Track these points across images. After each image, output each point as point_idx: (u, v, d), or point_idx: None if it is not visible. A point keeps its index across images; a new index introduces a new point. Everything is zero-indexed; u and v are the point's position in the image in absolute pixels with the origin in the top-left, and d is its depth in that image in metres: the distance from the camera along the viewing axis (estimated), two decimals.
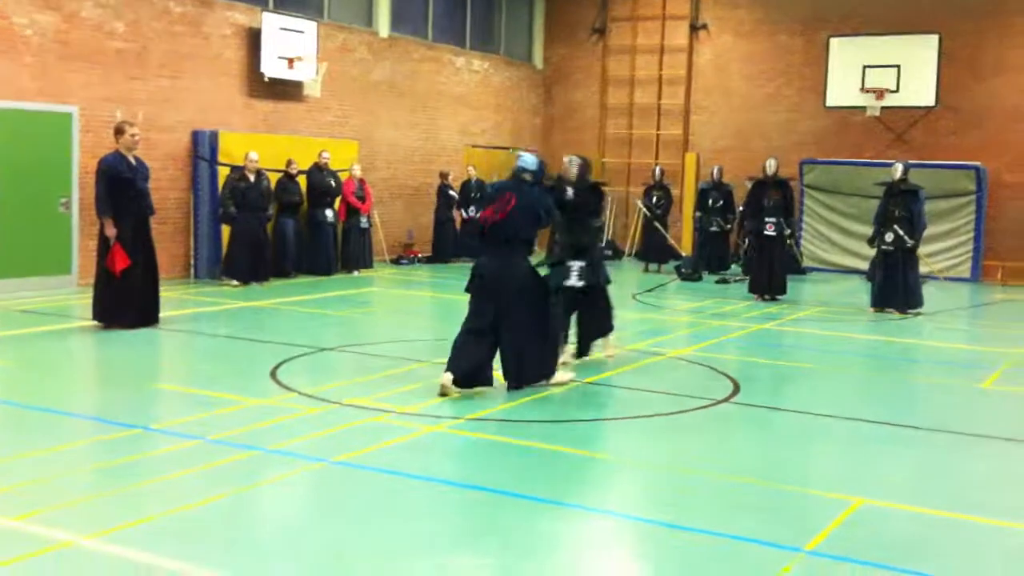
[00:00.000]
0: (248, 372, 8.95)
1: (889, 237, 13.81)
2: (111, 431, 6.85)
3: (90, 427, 7.00)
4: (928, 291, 14.69)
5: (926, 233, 18.67)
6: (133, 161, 10.93)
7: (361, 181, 17.40)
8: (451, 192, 19.69)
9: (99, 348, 10.17)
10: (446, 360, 8.10)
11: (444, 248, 19.72)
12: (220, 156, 15.46)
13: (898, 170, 14.01)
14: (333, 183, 16.67)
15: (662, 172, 19.90)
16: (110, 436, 6.75)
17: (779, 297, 15.01)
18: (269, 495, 5.81)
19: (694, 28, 22.33)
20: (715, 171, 19.15)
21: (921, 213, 13.88)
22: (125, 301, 10.76)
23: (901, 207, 13.78)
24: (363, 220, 17.32)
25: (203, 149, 15.51)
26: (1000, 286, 18.62)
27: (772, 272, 14.90)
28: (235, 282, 14.82)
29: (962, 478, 6.43)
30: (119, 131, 10.94)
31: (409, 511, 5.46)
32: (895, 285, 13.86)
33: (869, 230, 14.68)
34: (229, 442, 6.55)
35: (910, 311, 13.87)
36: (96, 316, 10.88)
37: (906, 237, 13.71)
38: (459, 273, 18.19)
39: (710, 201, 19.03)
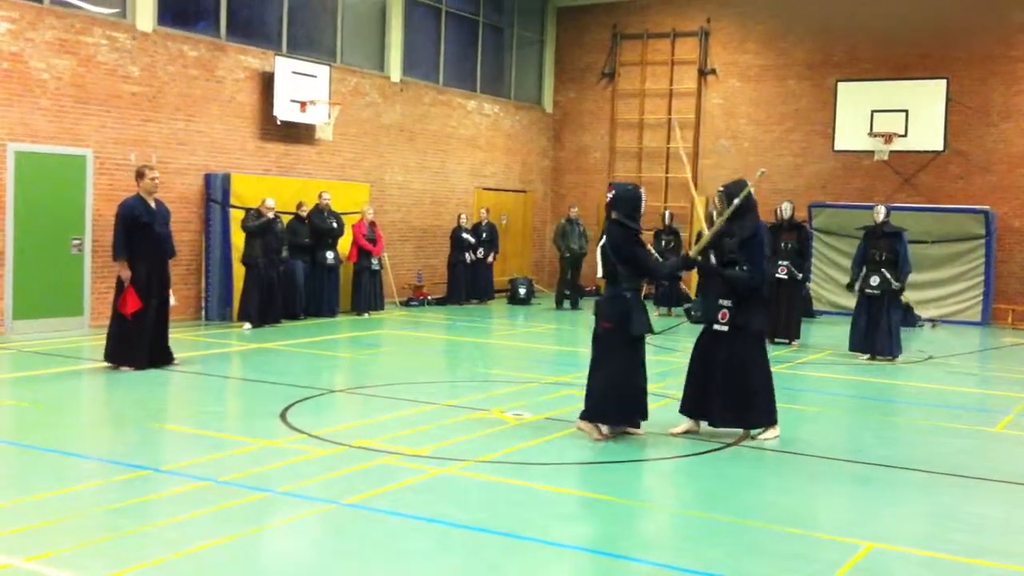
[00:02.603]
0: (257, 413, 8.96)
1: (875, 280, 13.62)
2: (121, 472, 6.86)
3: (100, 469, 7.00)
4: (938, 335, 14.55)
5: (935, 276, 18.87)
6: (153, 205, 11.05)
7: (372, 223, 17.48)
8: (464, 235, 19.78)
9: (110, 389, 10.20)
10: (453, 401, 8.07)
11: (457, 290, 19.78)
12: (232, 199, 15.58)
13: (880, 213, 13.86)
14: (335, 224, 16.73)
15: (671, 216, 19.87)
16: (120, 477, 6.76)
17: (792, 341, 14.94)
18: (279, 537, 5.80)
19: (702, 73, 22.51)
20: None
21: (906, 255, 13.69)
22: (135, 343, 10.86)
23: (886, 250, 13.61)
24: (374, 262, 17.38)
25: (215, 192, 15.64)
26: (1010, 330, 18.57)
27: (784, 315, 14.84)
28: (248, 325, 14.85)
29: (975, 523, 6.39)
30: (140, 175, 11.09)
31: (418, 554, 5.45)
32: (878, 330, 13.63)
33: None
34: (239, 484, 6.55)
35: (894, 356, 13.71)
36: (107, 357, 10.96)
37: (892, 280, 13.59)
38: (471, 314, 18.31)
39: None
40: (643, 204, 8.30)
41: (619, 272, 8.15)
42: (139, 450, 7.59)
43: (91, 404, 9.80)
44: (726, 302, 8.35)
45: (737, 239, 8.39)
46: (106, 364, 10.97)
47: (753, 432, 8.55)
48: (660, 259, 9.08)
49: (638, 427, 8.42)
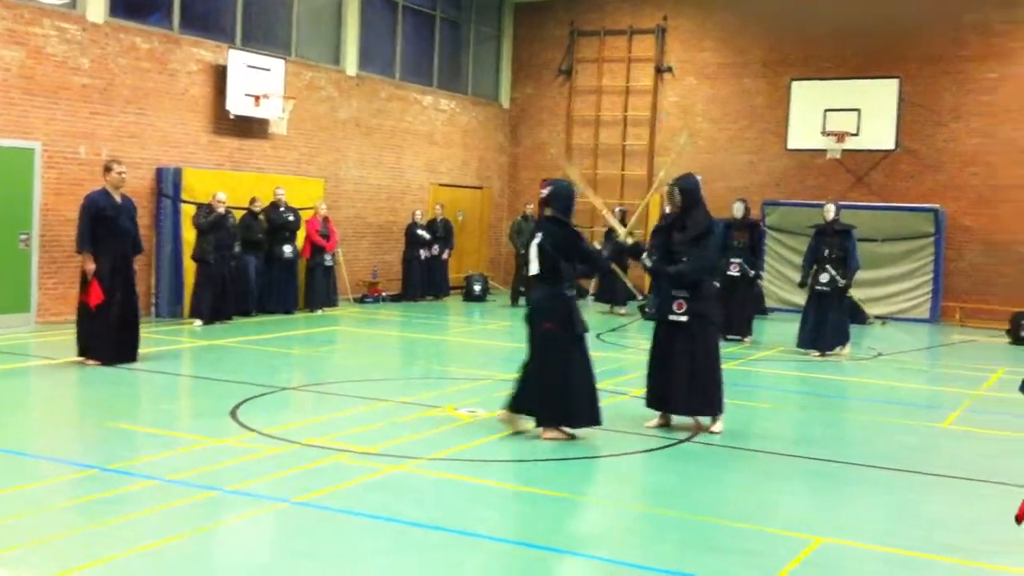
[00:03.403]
0: (208, 411, 8.86)
1: (824, 278, 13.80)
2: (67, 471, 6.75)
3: (47, 468, 6.88)
4: (887, 332, 14.76)
5: (885, 273, 19.11)
6: (119, 199, 11.02)
7: (326, 219, 17.36)
8: (419, 231, 19.71)
9: (57, 388, 10.04)
10: (407, 398, 8.04)
11: (413, 286, 19.71)
12: (184, 193, 15.39)
13: (830, 211, 14.01)
14: (292, 218, 16.63)
15: (623, 213, 19.78)
16: (66, 476, 6.65)
17: (745, 338, 15.07)
18: (228, 536, 5.74)
19: (659, 71, 22.60)
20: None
21: (855, 253, 13.88)
22: (100, 336, 10.86)
23: (836, 248, 13.81)
24: (327, 258, 17.27)
25: (167, 186, 15.45)
26: (959, 327, 18.85)
27: (737, 312, 14.94)
28: (199, 322, 14.67)
29: (926, 517, 6.47)
30: (107, 169, 11.11)
31: (370, 552, 5.41)
32: (825, 324, 13.80)
33: None
34: (187, 482, 6.47)
35: (838, 349, 13.89)
36: (79, 351, 10.98)
37: (839, 278, 13.77)
38: (427, 311, 18.24)
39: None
40: (575, 202, 8.29)
41: (561, 270, 8.05)
42: (86, 449, 7.48)
43: (38, 402, 9.64)
44: (681, 293, 8.48)
45: (689, 233, 8.52)
46: (75, 359, 10.93)
47: (706, 423, 8.66)
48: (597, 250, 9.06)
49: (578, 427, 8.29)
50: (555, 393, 8.03)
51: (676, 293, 8.51)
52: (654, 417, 8.82)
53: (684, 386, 8.49)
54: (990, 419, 9.77)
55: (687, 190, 8.59)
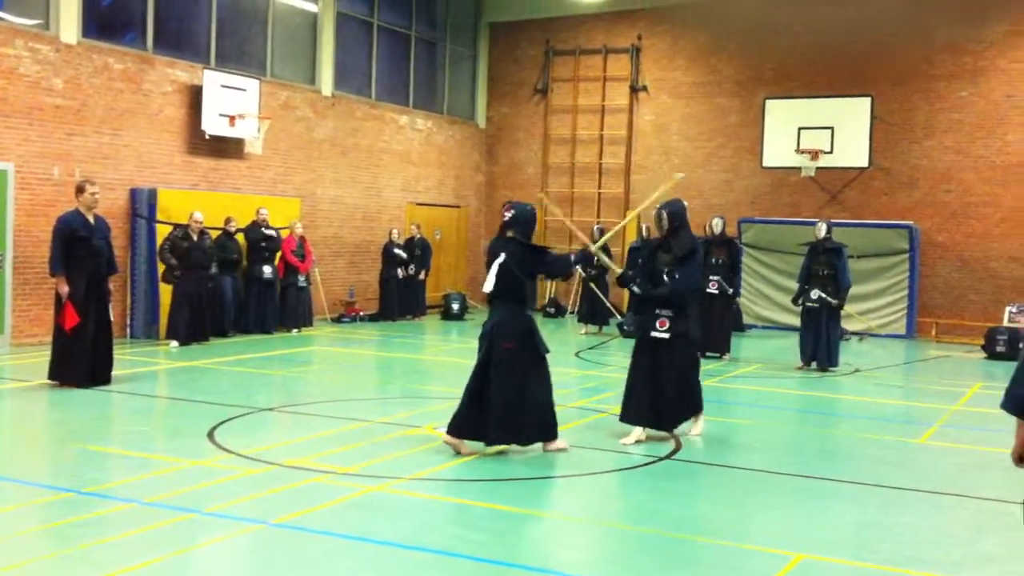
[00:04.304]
0: (185, 433, 8.78)
1: (815, 295, 14.01)
2: (41, 495, 6.66)
3: (20, 491, 6.79)
4: (864, 348, 14.86)
5: (861, 290, 19.22)
6: (92, 220, 10.92)
7: (302, 239, 17.31)
8: (396, 250, 19.68)
9: (31, 410, 9.93)
10: (385, 418, 8.01)
11: (390, 305, 19.65)
12: (159, 214, 15.31)
13: (822, 229, 14.24)
14: (273, 236, 16.58)
15: (601, 231, 19.77)
16: (40, 500, 6.56)
17: (723, 355, 15.11)
18: (206, 559, 5.68)
19: (634, 89, 22.73)
20: (644, 229, 18.22)
21: (845, 270, 14.09)
22: (75, 359, 10.76)
23: (826, 265, 14.02)
24: (301, 279, 17.19)
25: (141, 207, 15.36)
26: (934, 343, 18.99)
27: (715, 330, 14.99)
28: (175, 343, 14.55)
29: (902, 532, 6.48)
30: (80, 190, 10.98)
31: (349, 573, 5.37)
32: (818, 342, 14.05)
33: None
34: (164, 504, 6.41)
35: (830, 369, 14.07)
36: (50, 375, 10.87)
37: (830, 297, 13.91)
38: (404, 331, 18.18)
39: (639, 260, 18.48)
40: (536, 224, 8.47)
41: (524, 291, 8.20)
42: (61, 472, 7.39)
43: (11, 425, 9.52)
44: (664, 311, 8.76)
45: (673, 254, 8.84)
46: (48, 382, 10.83)
47: (687, 428, 9.07)
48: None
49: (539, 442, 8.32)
50: (509, 409, 8.02)
51: (660, 312, 8.78)
52: (632, 432, 8.87)
53: (668, 401, 8.75)
54: (966, 434, 9.83)
55: (674, 213, 8.95)
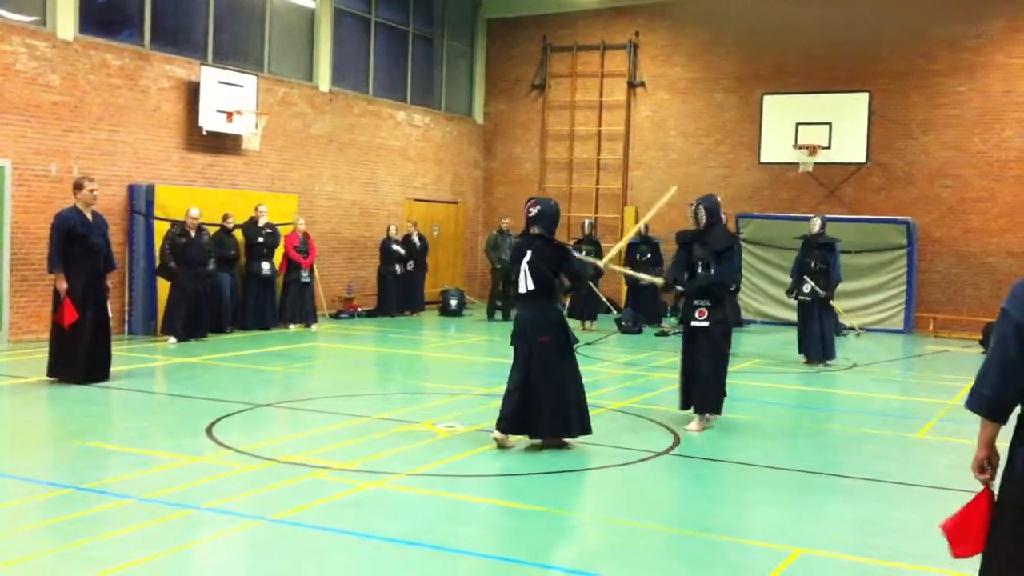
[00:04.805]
0: (183, 429, 8.78)
1: (807, 288, 14.15)
2: (41, 491, 6.66)
3: (20, 487, 6.79)
4: (862, 342, 14.88)
5: (859, 285, 19.25)
6: (90, 216, 10.91)
7: (305, 235, 17.33)
8: (394, 246, 19.66)
9: (30, 406, 9.92)
10: (384, 414, 8.01)
11: (388, 301, 19.64)
12: (156, 210, 15.30)
13: (816, 224, 14.36)
14: (270, 234, 16.58)
15: (591, 226, 19.71)
16: (40, 496, 6.56)
17: None
18: (205, 555, 5.68)
19: (632, 85, 22.72)
20: (642, 226, 17.41)
21: (836, 265, 14.21)
22: (73, 355, 10.77)
23: (819, 259, 14.15)
24: (304, 274, 17.19)
25: (139, 203, 15.35)
26: (932, 337, 19.01)
27: None
28: (173, 339, 14.54)
29: (899, 527, 6.50)
30: (78, 186, 10.97)
31: (348, 569, 5.38)
32: (811, 335, 14.17)
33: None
34: (163, 501, 6.41)
35: (827, 362, 14.13)
36: (48, 371, 10.87)
37: (820, 289, 14.01)
38: (402, 327, 18.19)
39: (638, 255, 18.56)
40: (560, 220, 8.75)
41: (553, 286, 8.33)
42: (59, 468, 7.39)
43: (9, 421, 9.51)
44: (702, 302, 9.31)
45: (710, 248, 9.33)
46: (46, 379, 10.83)
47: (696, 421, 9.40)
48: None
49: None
50: (559, 404, 8.21)
51: (698, 302, 9.32)
52: (693, 419, 9.39)
53: (699, 385, 9.32)
54: (964, 429, 9.83)
55: (711, 208, 9.42)
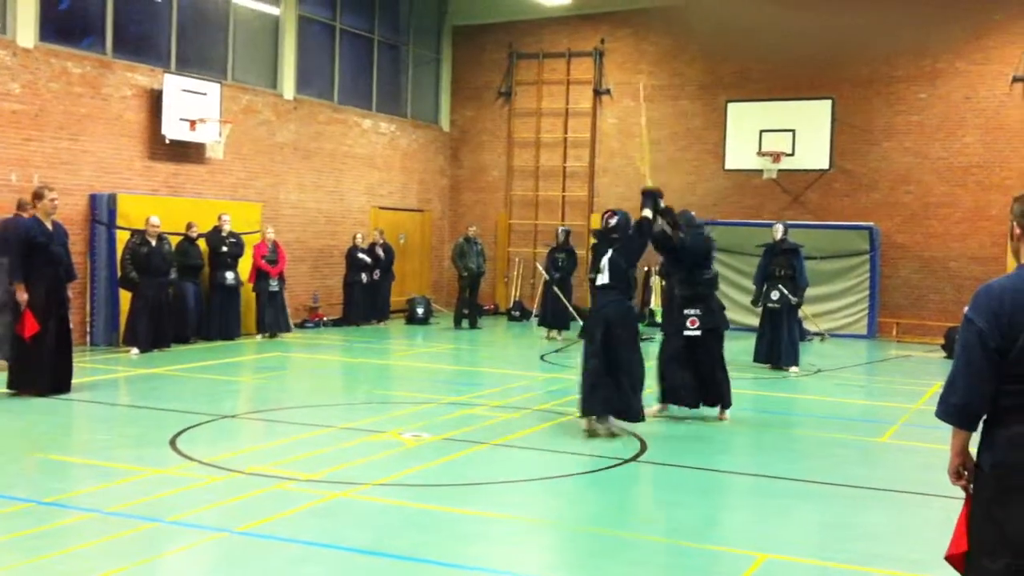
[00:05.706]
0: (147, 441, 8.69)
1: (775, 295, 14.23)
2: (2, 506, 6.56)
3: None
4: (826, 348, 14.99)
5: (823, 291, 19.40)
6: (50, 226, 10.79)
7: (275, 244, 17.22)
8: (360, 254, 19.56)
9: None
10: (351, 423, 7.97)
11: (354, 310, 19.56)
12: (119, 220, 15.14)
13: (779, 230, 14.45)
14: (234, 243, 16.45)
15: (567, 233, 19.59)
16: (1, 511, 6.46)
17: None
18: (170, 568, 5.62)
19: (597, 93, 22.79)
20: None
21: (803, 270, 14.31)
22: (35, 367, 10.63)
23: (784, 266, 14.23)
24: (273, 283, 17.08)
25: (101, 212, 15.18)
26: (895, 342, 19.19)
27: None
28: (136, 350, 14.39)
29: (863, 531, 6.54)
30: (38, 196, 10.84)
31: None
32: (779, 342, 14.25)
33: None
34: (127, 514, 6.34)
35: (793, 368, 14.22)
36: (9, 384, 10.73)
37: (790, 295, 14.12)
38: (369, 335, 18.11)
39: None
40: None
41: (630, 279, 9.29)
42: (21, 481, 7.28)
43: None
44: (693, 311, 9.96)
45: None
46: (7, 391, 10.67)
47: (715, 413, 10.26)
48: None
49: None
50: (639, 386, 9.22)
51: (688, 311, 9.92)
52: (723, 414, 10.25)
53: (705, 386, 10.13)
54: (928, 433, 9.92)
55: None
